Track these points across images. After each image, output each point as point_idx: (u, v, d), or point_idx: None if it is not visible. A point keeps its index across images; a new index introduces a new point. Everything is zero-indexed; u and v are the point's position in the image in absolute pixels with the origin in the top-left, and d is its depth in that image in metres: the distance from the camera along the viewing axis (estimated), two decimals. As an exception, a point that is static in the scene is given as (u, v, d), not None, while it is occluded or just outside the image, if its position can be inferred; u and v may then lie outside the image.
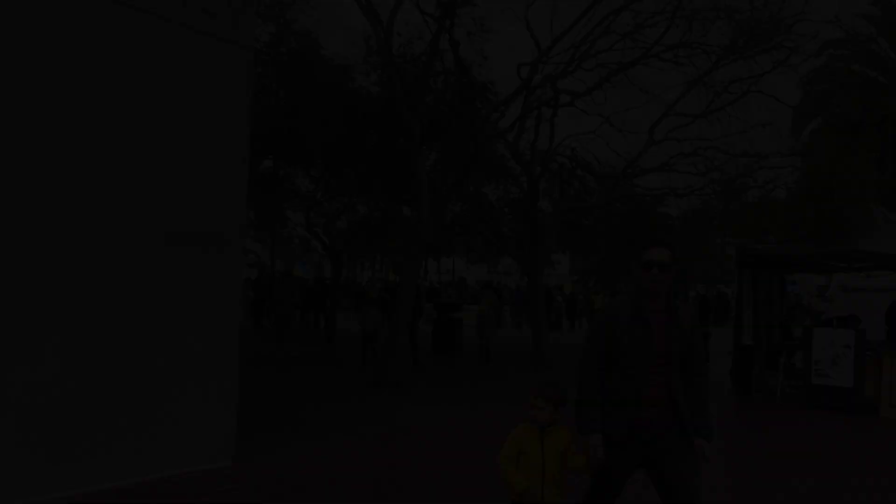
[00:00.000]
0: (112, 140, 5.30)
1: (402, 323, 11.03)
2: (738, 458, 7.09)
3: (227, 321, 6.09)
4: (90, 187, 5.17)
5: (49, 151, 4.95)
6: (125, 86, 5.38)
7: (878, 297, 17.91)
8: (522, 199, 15.96)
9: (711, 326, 16.11)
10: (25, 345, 4.83)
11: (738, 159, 14.63)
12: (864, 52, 23.61)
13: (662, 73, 14.54)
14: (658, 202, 19.71)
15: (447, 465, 6.32)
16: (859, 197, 10.66)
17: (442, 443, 7.25)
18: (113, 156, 5.30)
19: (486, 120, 11.26)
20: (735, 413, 9.98)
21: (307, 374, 11.98)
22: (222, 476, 5.66)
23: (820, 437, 8.33)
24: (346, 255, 24.40)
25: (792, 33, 13.00)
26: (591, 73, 14.30)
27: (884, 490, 6.08)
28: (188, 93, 5.79)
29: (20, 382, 4.78)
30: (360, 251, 30.60)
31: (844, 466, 6.90)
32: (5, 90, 4.73)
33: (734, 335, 11.27)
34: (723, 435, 8.65)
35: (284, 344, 14.05)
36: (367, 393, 10.21)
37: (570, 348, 19.08)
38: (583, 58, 13.10)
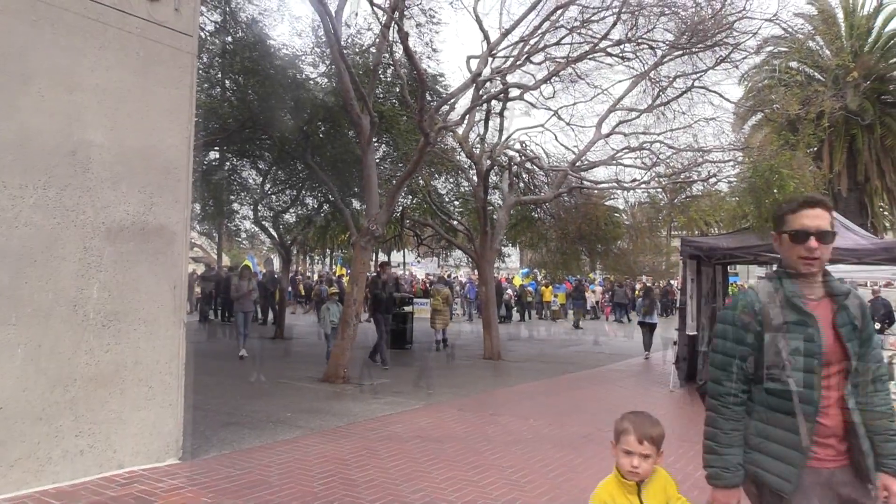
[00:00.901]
0: (51, 127, 5.11)
1: (352, 317, 10.95)
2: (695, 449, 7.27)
3: (172, 317, 5.95)
4: (24, 181, 4.98)
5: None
6: (59, 74, 5.19)
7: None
8: (472, 192, 16.01)
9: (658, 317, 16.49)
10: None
11: (683, 153, 14.96)
12: (801, 50, 24.38)
13: (610, 68, 14.75)
14: (606, 195, 20.02)
15: (402, 459, 6.31)
16: (797, 190, 11.00)
17: (397, 437, 7.24)
18: (51, 144, 5.11)
19: (435, 112, 11.25)
20: (683, 402, 10.22)
21: (259, 371, 11.80)
22: (168, 474, 5.54)
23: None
24: (295, 249, 24.11)
25: (733, 30, 13.33)
26: (539, 66, 14.45)
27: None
28: (128, 81, 5.62)
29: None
30: (310, 245, 30.33)
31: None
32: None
33: (679, 326, 11.53)
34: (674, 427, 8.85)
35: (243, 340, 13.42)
36: (321, 389, 10.13)
37: (519, 340, 19.30)
38: (531, 52, 13.20)
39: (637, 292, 33.75)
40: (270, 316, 21.06)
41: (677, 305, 11.66)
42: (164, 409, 5.87)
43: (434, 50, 14.51)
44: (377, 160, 13.84)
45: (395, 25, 10.08)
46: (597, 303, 33.09)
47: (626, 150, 15.54)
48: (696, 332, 11.62)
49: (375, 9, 11.92)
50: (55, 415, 5.11)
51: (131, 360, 5.61)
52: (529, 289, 31.38)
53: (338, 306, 12.52)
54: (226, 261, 31.84)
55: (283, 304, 18.52)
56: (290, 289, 30.95)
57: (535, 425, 7.95)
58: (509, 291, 28.12)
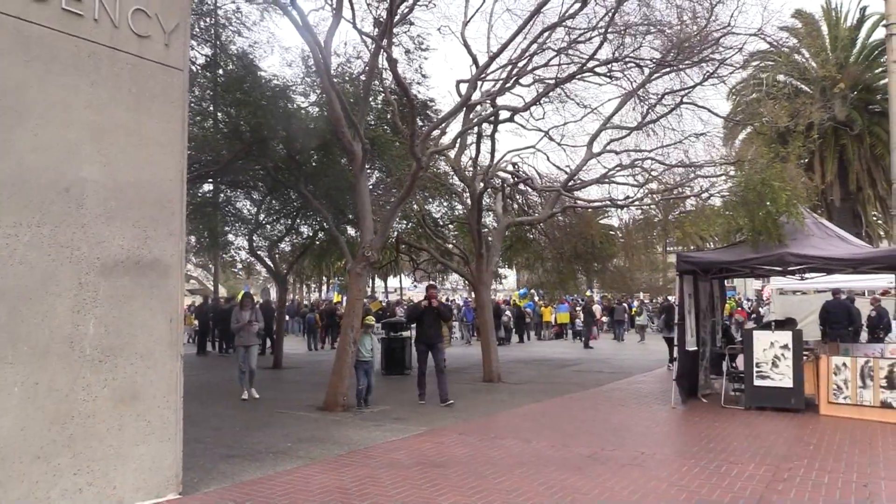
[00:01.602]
0: (45, 164, 5.13)
1: (349, 344, 10.89)
2: (691, 462, 7.22)
3: (169, 350, 5.92)
4: (19, 219, 4.99)
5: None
6: (54, 112, 5.22)
7: (814, 298, 18.70)
8: (466, 215, 16.05)
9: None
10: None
11: (675, 169, 15.04)
12: (788, 63, 24.68)
13: (599, 87, 14.89)
14: (600, 214, 20.08)
15: (405, 487, 6.26)
16: (790, 202, 11.04)
17: (399, 464, 7.18)
18: (46, 182, 5.13)
19: (426, 137, 11.32)
20: (684, 418, 10.17)
21: (258, 400, 11.72)
22: (169, 510, 5.49)
23: (769, 436, 8.54)
24: (291, 278, 24.11)
25: (720, 46, 13.46)
26: (528, 88, 14.56)
27: (829, 482, 6.27)
28: (121, 116, 5.65)
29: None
30: (306, 273, 30.31)
31: (793, 463, 7.08)
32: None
33: (678, 341, 11.50)
34: (676, 445, 8.80)
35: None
36: (320, 418, 10.06)
37: (519, 362, 19.20)
38: (520, 74, 13.31)
39: (633, 310, 33.79)
40: (268, 344, 21.01)
41: (676, 321, 11.60)
42: (164, 444, 5.82)
43: (423, 76, 14.62)
44: (370, 186, 13.88)
45: (384, 53, 10.17)
46: (595, 320, 33.08)
47: (619, 168, 15.62)
48: (696, 348, 11.60)
49: (364, 37, 12.06)
50: (53, 453, 5.07)
51: (129, 395, 5.58)
52: (528, 310, 31.33)
53: (371, 338, 11.36)
54: (222, 291, 31.79)
55: (281, 333, 18.48)
56: (287, 318, 30.90)
57: (537, 447, 7.90)
58: (508, 314, 28.05)
